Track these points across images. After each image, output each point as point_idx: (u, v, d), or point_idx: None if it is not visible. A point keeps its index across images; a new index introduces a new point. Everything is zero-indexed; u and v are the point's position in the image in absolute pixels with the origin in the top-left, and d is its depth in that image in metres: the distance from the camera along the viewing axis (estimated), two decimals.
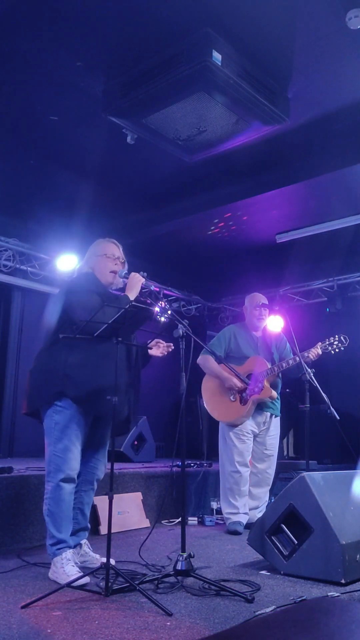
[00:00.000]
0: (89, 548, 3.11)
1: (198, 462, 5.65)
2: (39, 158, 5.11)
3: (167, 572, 2.81)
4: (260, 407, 4.38)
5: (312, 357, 4.13)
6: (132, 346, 3.14)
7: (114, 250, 3.24)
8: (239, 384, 4.26)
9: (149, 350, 3.21)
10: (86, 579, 2.70)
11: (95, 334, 2.76)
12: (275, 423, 4.51)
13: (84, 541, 3.09)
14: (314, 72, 3.97)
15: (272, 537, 3.05)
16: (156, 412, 6.87)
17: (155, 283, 3.21)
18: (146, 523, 4.41)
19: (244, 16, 3.46)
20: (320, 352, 4.17)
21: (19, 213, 6.08)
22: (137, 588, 2.48)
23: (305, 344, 4.23)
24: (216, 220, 6.16)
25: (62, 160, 5.13)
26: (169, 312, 3.03)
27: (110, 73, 3.97)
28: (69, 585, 2.62)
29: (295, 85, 4.09)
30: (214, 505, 4.90)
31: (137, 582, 2.59)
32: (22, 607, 2.38)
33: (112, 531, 2.64)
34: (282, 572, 2.98)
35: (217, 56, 3.52)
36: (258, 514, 4.23)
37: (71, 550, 2.88)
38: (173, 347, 3.09)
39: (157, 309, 3.04)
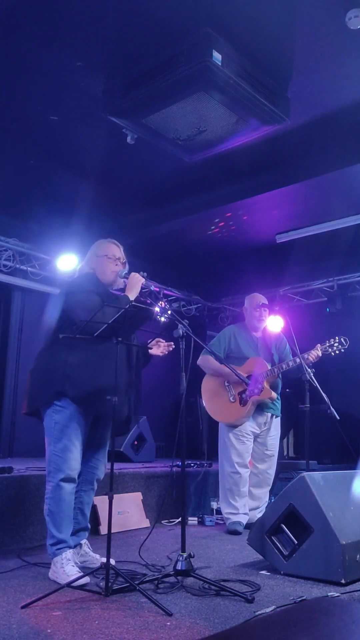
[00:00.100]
0: (89, 548, 3.11)
1: (198, 462, 5.65)
2: (39, 158, 5.11)
3: (167, 572, 2.81)
4: (261, 407, 4.38)
5: (311, 359, 4.12)
6: (132, 346, 3.14)
7: (115, 250, 3.24)
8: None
9: (150, 350, 3.21)
10: (86, 579, 2.70)
11: (95, 334, 2.77)
12: (276, 423, 4.51)
13: (84, 541, 3.09)
14: (314, 72, 3.96)
15: (272, 537, 3.05)
16: (156, 412, 6.87)
17: (155, 283, 3.21)
18: (146, 523, 4.41)
19: (244, 16, 3.46)
20: (320, 354, 4.16)
21: (19, 213, 6.08)
22: (137, 588, 2.48)
23: (305, 344, 4.23)
24: (217, 220, 6.16)
25: (62, 160, 5.13)
26: (169, 312, 3.03)
27: (110, 73, 3.97)
28: (69, 585, 2.62)
29: (295, 85, 4.09)
30: (214, 505, 4.90)
31: (137, 582, 2.59)
32: (22, 607, 2.38)
33: (112, 531, 2.65)
34: (282, 572, 2.98)
35: (217, 56, 3.52)
36: (258, 514, 4.23)
37: (71, 550, 2.88)
38: (174, 347, 3.09)
39: (157, 309, 3.04)
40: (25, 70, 3.93)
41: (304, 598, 2.50)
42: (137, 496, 4.53)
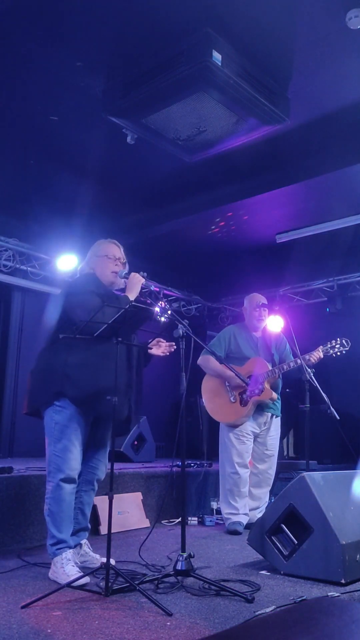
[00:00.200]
0: (89, 548, 3.11)
1: (198, 462, 5.65)
2: (39, 158, 5.11)
3: (167, 572, 2.81)
4: (261, 407, 4.38)
5: (313, 361, 4.10)
6: (133, 346, 3.14)
7: (115, 251, 3.24)
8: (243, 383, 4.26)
9: (150, 350, 3.21)
10: (86, 579, 2.70)
11: (95, 334, 2.77)
12: (276, 423, 4.51)
13: (84, 541, 3.09)
14: (314, 72, 3.97)
15: (272, 537, 3.05)
16: (156, 412, 6.87)
17: (155, 283, 3.21)
18: (146, 523, 4.41)
19: (244, 16, 3.46)
20: (321, 356, 4.15)
21: (19, 213, 6.08)
22: (137, 588, 2.48)
23: (305, 344, 4.22)
24: (218, 219, 6.16)
25: (62, 160, 5.13)
26: (169, 312, 3.03)
27: (110, 73, 3.97)
28: (69, 585, 2.62)
29: (295, 85, 4.09)
30: (214, 505, 4.91)
31: (137, 582, 2.59)
32: (22, 607, 2.38)
33: (112, 531, 2.64)
34: (282, 572, 2.98)
35: (217, 56, 3.52)
36: (258, 515, 4.22)
37: (71, 550, 2.88)
38: (175, 347, 3.08)
39: (157, 309, 3.04)
40: (25, 70, 3.94)
41: (304, 598, 2.50)
42: (137, 496, 4.53)
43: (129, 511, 4.37)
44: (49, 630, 2.12)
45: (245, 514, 4.30)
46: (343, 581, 2.73)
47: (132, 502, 4.46)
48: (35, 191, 5.69)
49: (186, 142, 4.47)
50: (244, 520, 4.27)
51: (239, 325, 4.65)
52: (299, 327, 4.69)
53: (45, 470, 3.01)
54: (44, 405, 2.96)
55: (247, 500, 4.34)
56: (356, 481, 3.29)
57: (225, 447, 4.38)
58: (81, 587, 2.66)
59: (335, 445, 6.30)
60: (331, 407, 3.80)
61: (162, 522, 4.64)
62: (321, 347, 4.18)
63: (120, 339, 2.79)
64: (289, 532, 2.99)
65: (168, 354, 3.23)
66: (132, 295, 3.06)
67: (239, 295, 7.28)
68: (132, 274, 3.13)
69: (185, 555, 2.72)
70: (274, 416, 4.47)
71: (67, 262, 6.22)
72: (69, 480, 2.88)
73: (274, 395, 4.35)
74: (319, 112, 4.45)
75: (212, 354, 3.65)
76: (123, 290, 3.16)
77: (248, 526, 4.13)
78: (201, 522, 4.73)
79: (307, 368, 3.98)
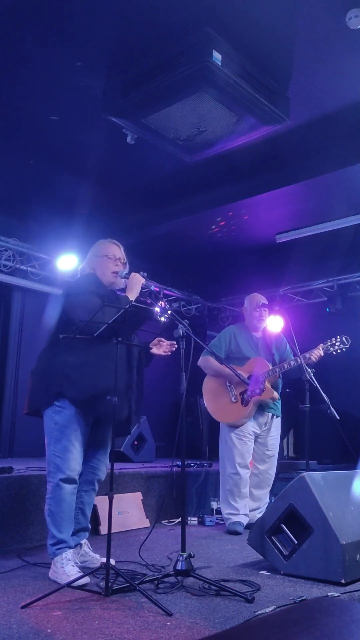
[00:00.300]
0: (89, 548, 3.11)
1: (198, 462, 5.65)
2: (39, 158, 5.11)
3: (167, 572, 2.81)
4: (262, 407, 4.38)
5: (313, 359, 4.10)
6: (133, 347, 3.14)
7: (115, 251, 3.24)
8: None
9: (151, 350, 3.21)
10: (86, 579, 2.70)
11: (95, 334, 2.77)
12: (277, 423, 4.51)
13: (84, 541, 3.09)
14: (314, 72, 3.96)
15: (272, 537, 3.05)
16: (156, 412, 6.87)
17: (155, 283, 3.20)
18: (146, 523, 4.41)
19: (244, 16, 3.46)
20: (322, 353, 4.15)
21: (19, 213, 6.08)
22: (137, 588, 2.48)
23: (305, 344, 4.22)
24: (218, 219, 6.16)
25: (62, 160, 5.13)
26: (169, 312, 3.03)
27: (110, 73, 3.97)
28: (69, 585, 2.62)
29: (295, 85, 4.09)
30: (214, 505, 4.90)
31: (137, 582, 2.59)
32: (22, 607, 2.38)
33: (112, 531, 2.64)
34: (282, 572, 2.98)
35: (217, 56, 3.52)
36: (258, 515, 4.22)
37: (71, 550, 2.88)
38: (177, 346, 3.08)
39: (157, 309, 3.04)
40: (25, 70, 3.93)
41: (304, 598, 2.50)
42: (137, 496, 4.53)
43: (129, 511, 4.37)
44: (49, 630, 2.12)
45: (246, 515, 4.30)
46: (343, 581, 2.73)
47: (132, 502, 4.46)
48: (35, 191, 5.69)
49: (186, 142, 4.47)
50: (244, 520, 4.27)
51: (239, 325, 4.65)
52: (299, 327, 4.69)
53: (45, 470, 3.01)
54: (44, 406, 2.96)
55: (247, 500, 4.34)
56: (356, 481, 3.29)
57: (227, 447, 4.38)
58: (81, 587, 2.66)
59: (335, 445, 6.30)
60: (331, 407, 3.80)
61: (162, 522, 4.64)
62: (321, 345, 4.18)
63: (120, 339, 2.79)
64: (289, 532, 2.99)
65: (169, 353, 3.23)
66: (132, 296, 3.06)
67: (239, 295, 7.29)
68: (132, 274, 3.13)
69: (185, 555, 2.72)
70: (275, 416, 4.47)
71: (67, 262, 6.22)
72: (69, 480, 2.88)
73: (275, 394, 4.35)
74: (319, 112, 4.45)
75: (212, 355, 3.66)
76: (123, 290, 3.16)
77: (248, 526, 4.13)
78: (201, 522, 4.73)
79: (307, 368, 3.98)
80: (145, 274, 3.13)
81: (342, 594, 2.62)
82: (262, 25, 3.53)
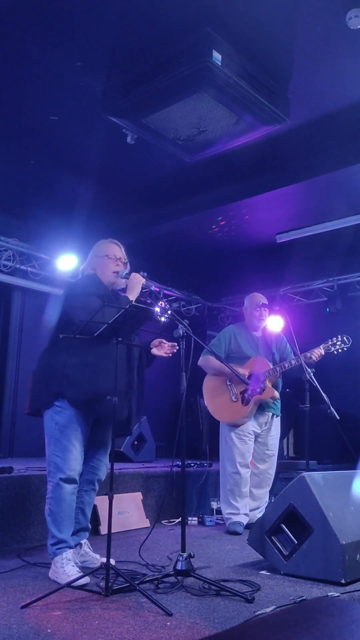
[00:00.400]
0: (89, 548, 3.11)
1: (198, 462, 5.65)
2: (39, 158, 5.11)
3: (167, 572, 2.81)
4: (262, 407, 4.38)
5: (314, 358, 4.10)
6: (133, 347, 3.14)
7: (116, 251, 3.24)
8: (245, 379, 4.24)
9: (152, 350, 3.21)
10: (86, 579, 2.70)
11: (95, 334, 2.77)
12: (276, 423, 4.51)
13: (84, 541, 3.10)
14: (314, 72, 3.96)
15: (272, 537, 3.05)
16: (156, 412, 6.87)
17: (155, 283, 3.20)
18: (146, 523, 4.41)
19: (244, 16, 3.46)
20: (323, 353, 4.15)
21: (19, 213, 6.08)
22: (137, 588, 2.48)
23: (305, 344, 4.22)
24: (219, 218, 6.15)
25: (62, 160, 5.13)
26: (169, 312, 3.03)
27: (110, 73, 3.97)
28: (69, 585, 2.62)
29: (295, 85, 4.09)
30: (214, 505, 4.90)
31: (137, 582, 2.59)
32: (22, 607, 2.38)
33: (112, 531, 2.64)
34: (282, 572, 2.98)
35: (217, 56, 3.52)
36: (258, 515, 4.22)
37: (71, 550, 2.88)
38: (177, 348, 3.08)
39: (157, 309, 3.04)
40: (25, 70, 3.93)
41: (304, 598, 2.50)
42: (137, 496, 4.53)
43: (129, 511, 4.37)
44: (49, 630, 2.12)
45: (246, 514, 4.30)
46: (343, 581, 2.73)
47: (132, 502, 4.46)
48: (35, 191, 5.69)
49: (186, 142, 4.47)
50: (244, 520, 4.27)
51: (239, 324, 4.65)
52: (299, 327, 4.69)
53: (45, 470, 3.01)
54: (44, 406, 2.96)
55: (247, 500, 4.34)
56: (356, 481, 3.29)
57: (227, 446, 4.38)
58: (81, 587, 2.66)
59: (335, 445, 6.30)
60: (331, 407, 3.80)
61: (162, 522, 4.64)
62: (322, 345, 4.18)
63: (120, 339, 2.79)
64: (289, 532, 2.99)
65: (170, 355, 3.22)
66: (132, 296, 3.05)
67: (239, 295, 7.29)
68: (133, 274, 3.13)
69: (185, 555, 2.72)
70: (275, 416, 4.47)
71: (67, 262, 6.22)
72: (69, 480, 2.88)
73: (276, 394, 4.35)
74: (319, 112, 4.44)
75: (212, 354, 3.66)
76: (124, 290, 3.16)
77: (248, 526, 4.13)
78: (201, 522, 4.73)
79: (306, 367, 3.98)
80: (145, 274, 3.13)
81: (342, 594, 2.62)
82: (262, 25, 3.53)
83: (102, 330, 2.75)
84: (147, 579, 2.73)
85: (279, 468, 4.71)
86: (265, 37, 3.64)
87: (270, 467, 4.46)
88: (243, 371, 4.25)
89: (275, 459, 4.50)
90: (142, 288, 3.14)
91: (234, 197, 5.65)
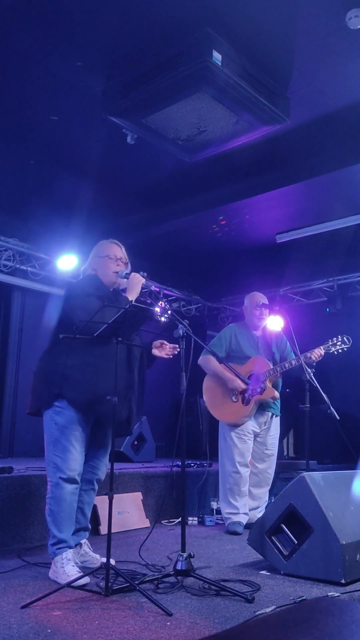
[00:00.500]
0: (89, 548, 3.10)
1: (198, 462, 5.65)
2: (39, 158, 5.11)
3: (167, 572, 2.81)
4: (262, 407, 4.38)
5: (314, 358, 4.09)
6: (134, 348, 3.13)
7: (116, 251, 3.24)
8: (242, 385, 4.25)
9: (153, 351, 3.21)
10: (86, 579, 2.70)
11: (95, 334, 2.77)
12: (276, 423, 4.51)
13: (84, 541, 3.09)
14: (314, 72, 3.97)
15: (272, 537, 3.05)
16: (156, 412, 6.87)
17: (155, 283, 3.20)
18: (146, 523, 4.41)
19: (244, 16, 3.46)
20: (322, 353, 4.15)
21: (19, 213, 6.08)
22: (137, 588, 2.48)
23: (305, 344, 4.22)
24: (221, 217, 6.16)
25: (62, 160, 5.13)
26: (169, 312, 3.02)
27: (110, 73, 3.97)
28: (69, 585, 2.62)
29: (295, 85, 4.09)
30: (214, 505, 4.90)
31: (137, 582, 2.59)
32: (22, 607, 2.38)
33: (112, 531, 2.64)
34: (282, 572, 2.98)
35: (217, 56, 3.52)
36: (258, 514, 4.22)
37: (71, 550, 2.88)
38: (179, 350, 3.07)
39: (157, 309, 3.04)
40: (25, 70, 3.94)
41: (304, 598, 2.50)
42: (137, 496, 4.53)
43: (129, 511, 4.37)
44: (49, 630, 2.12)
45: (245, 514, 4.30)
46: (343, 581, 2.73)
47: (132, 502, 4.46)
48: (35, 191, 5.69)
49: (186, 142, 4.47)
50: (244, 520, 4.27)
51: (240, 324, 4.65)
52: (299, 327, 4.69)
53: (45, 470, 3.01)
54: (44, 406, 2.96)
55: (247, 499, 4.34)
56: (356, 481, 3.29)
57: (226, 446, 4.38)
58: (81, 587, 2.66)
59: (335, 445, 6.31)
60: (331, 407, 3.80)
61: (162, 522, 4.64)
62: (323, 345, 4.18)
63: (120, 339, 2.79)
64: (289, 532, 2.99)
65: (172, 356, 3.22)
66: (132, 296, 3.05)
67: (239, 295, 7.29)
68: (133, 274, 3.13)
69: (185, 555, 2.71)
70: (274, 416, 4.47)
71: (67, 262, 6.23)
72: (69, 480, 2.88)
73: (276, 394, 4.35)
74: (319, 112, 4.45)
75: (212, 354, 3.65)
76: (125, 290, 3.16)
77: (248, 526, 4.13)
78: (201, 522, 4.73)
79: (306, 367, 3.98)
80: (145, 274, 3.12)
81: (342, 594, 2.62)
82: (262, 25, 3.53)
83: (102, 330, 2.75)
84: (147, 579, 2.73)
85: (279, 468, 4.71)
86: (265, 37, 3.64)
87: (269, 467, 4.46)
88: (243, 371, 4.25)
89: (274, 458, 4.50)
90: (142, 288, 3.14)
91: (234, 197, 5.65)
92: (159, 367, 3.49)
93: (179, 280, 7.71)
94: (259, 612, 2.32)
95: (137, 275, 3.11)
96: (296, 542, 2.95)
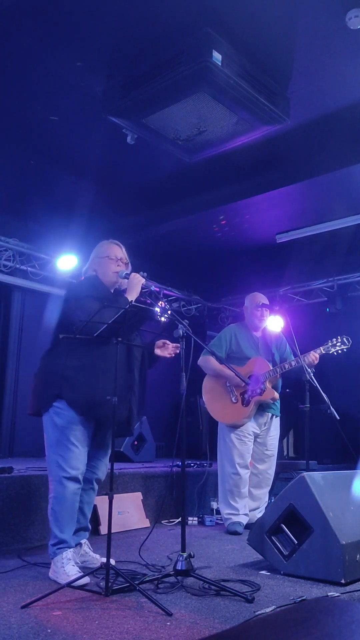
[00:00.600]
0: (89, 548, 3.10)
1: (198, 462, 5.65)
2: (39, 158, 5.11)
3: (167, 572, 2.81)
4: (262, 407, 4.37)
5: (313, 359, 4.09)
6: (134, 348, 3.13)
7: (117, 251, 3.23)
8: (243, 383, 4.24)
9: (155, 351, 3.21)
10: (86, 579, 2.70)
11: (95, 334, 2.77)
12: (276, 423, 4.51)
13: (84, 541, 3.09)
14: (314, 72, 3.97)
15: (272, 537, 3.05)
16: (156, 412, 6.87)
17: (155, 283, 3.19)
18: (146, 523, 4.41)
19: (244, 16, 3.46)
20: (322, 352, 4.14)
21: (19, 213, 6.08)
22: (137, 588, 2.48)
23: (305, 344, 4.22)
24: (221, 217, 6.15)
25: (62, 160, 5.13)
26: (169, 312, 3.02)
27: (110, 73, 3.97)
28: (69, 585, 2.62)
29: (295, 85, 4.09)
30: (214, 505, 4.90)
31: (137, 582, 2.59)
32: (22, 607, 2.38)
33: (112, 531, 2.64)
34: (282, 572, 2.98)
35: (217, 56, 3.52)
36: (258, 515, 4.22)
37: (71, 550, 2.88)
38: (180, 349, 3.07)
39: (157, 309, 3.04)
40: (25, 70, 3.94)
41: (304, 598, 2.50)
42: (137, 496, 4.53)
43: (129, 511, 4.37)
44: (49, 630, 2.12)
45: (245, 515, 4.29)
46: (343, 581, 2.73)
47: (132, 502, 4.46)
48: (35, 191, 5.69)
49: (186, 142, 4.47)
50: (244, 520, 4.27)
51: (240, 324, 4.64)
52: (299, 327, 4.69)
53: (45, 470, 3.01)
54: (44, 407, 2.96)
55: (247, 500, 4.33)
56: (356, 481, 3.29)
57: (226, 447, 4.37)
58: (81, 587, 2.66)
59: (335, 445, 6.31)
60: (331, 407, 3.80)
61: (162, 522, 4.64)
62: (322, 347, 4.17)
63: (120, 339, 2.79)
64: (289, 532, 2.99)
65: (173, 355, 3.22)
66: (131, 296, 3.05)
67: (239, 295, 7.30)
68: (132, 274, 3.13)
69: (185, 555, 2.71)
70: (274, 416, 4.47)
71: (67, 262, 6.23)
72: (70, 479, 2.88)
73: (276, 394, 4.35)
74: (319, 112, 4.45)
75: (212, 354, 3.66)
76: (125, 290, 3.16)
77: (248, 526, 4.13)
78: (201, 522, 4.73)
79: (307, 368, 3.98)
80: (145, 274, 3.12)
81: (342, 594, 2.62)
82: (262, 25, 3.53)
83: (102, 330, 2.75)
84: (147, 579, 2.73)
85: (279, 468, 4.71)
86: (265, 37, 3.64)
87: (269, 468, 4.46)
88: (242, 372, 4.24)
89: (274, 459, 4.50)
90: (142, 288, 3.13)
91: (234, 197, 5.65)
92: (159, 367, 3.49)
93: (179, 280, 7.71)
94: (259, 612, 2.32)
95: (137, 275, 3.11)
96: (296, 542, 2.95)
